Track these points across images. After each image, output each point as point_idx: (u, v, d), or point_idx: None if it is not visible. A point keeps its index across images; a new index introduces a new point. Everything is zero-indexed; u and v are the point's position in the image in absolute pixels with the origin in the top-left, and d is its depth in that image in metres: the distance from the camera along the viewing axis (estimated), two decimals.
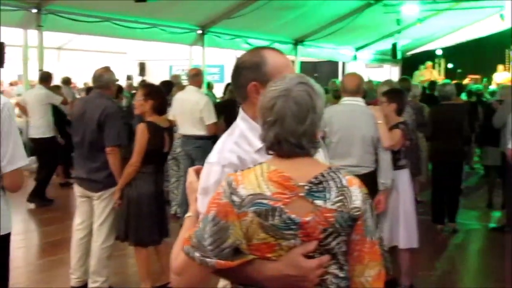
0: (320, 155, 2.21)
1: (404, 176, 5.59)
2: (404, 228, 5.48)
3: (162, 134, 5.28)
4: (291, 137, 1.85)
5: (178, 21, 11.02)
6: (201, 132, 7.58)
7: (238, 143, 2.16)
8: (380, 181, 5.20)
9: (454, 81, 13.03)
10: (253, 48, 2.30)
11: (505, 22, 16.52)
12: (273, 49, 2.27)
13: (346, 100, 5.32)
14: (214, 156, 2.14)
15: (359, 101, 5.29)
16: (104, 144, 5.21)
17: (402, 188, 5.54)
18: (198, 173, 2.17)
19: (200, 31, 11.50)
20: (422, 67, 19.78)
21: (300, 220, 1.82)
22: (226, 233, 1.81)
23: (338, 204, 1.85)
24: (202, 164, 2.16)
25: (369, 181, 5.14)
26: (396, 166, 5.48)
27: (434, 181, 8.01)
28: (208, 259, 1.82)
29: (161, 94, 5.41)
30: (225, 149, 2.14)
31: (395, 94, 5.85)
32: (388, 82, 7.87)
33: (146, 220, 5.22)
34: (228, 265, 1.82)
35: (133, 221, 5.21)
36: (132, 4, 8.90)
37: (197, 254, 1.83)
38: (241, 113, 2.24)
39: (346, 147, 5.12)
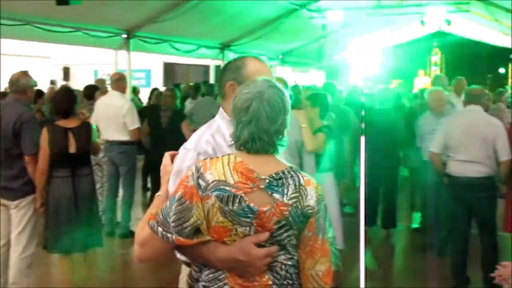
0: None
1: (328, 179, 5.62)
2: None
3: (65, 135, 5.15)
4: (264, 135, 2.06)
5: (103, 25, 10.76)
6: (125, 137, 7.43)
7: (214, 136, 2.39)
8: None
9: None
10: (240, 56, 2.60)
11: (425, 28, 16.99)
12: (257, 58, 2.57)
13: None
14: (191, 143, 2.38)
15: None
16: (20, 151, 5.06)
17: (327, 191, 5.50)
18: (172, 158, 2.37)
19: (125, 35, 11.25)
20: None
21: (258, 209, 2.01)
22: (189, 213, 2.00)
23: (294, 200, 2.04)
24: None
25: None
26: (320, 170, 5.50)
27: (369, 185, 8.03)
28: (169, 235, 2.02)
29: (64, 98, 5.32)
30: (202, 139, 2.38)
31: (318, 98, 5.87)
32: (313, 87, 7.90)
33: (66, 226, 5.07)
34: (186, 242, 2.02)
35: (52, 228, 5.06)
36: (54, 7, 8.62)
37: (160, 229, 2.04)
38: (220, 110, 2.49)
39: None
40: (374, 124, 7.83)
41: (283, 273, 2.08)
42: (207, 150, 2.32)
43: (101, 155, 7.42)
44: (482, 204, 5.75)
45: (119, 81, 7.68)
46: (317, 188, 2.13)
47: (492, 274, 4.60)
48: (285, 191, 2.04)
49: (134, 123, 7.43)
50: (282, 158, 2.15)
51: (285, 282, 2.09)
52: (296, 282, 2.12)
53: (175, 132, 7.64)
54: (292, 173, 2.09)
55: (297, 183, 2.06)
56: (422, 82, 18.76)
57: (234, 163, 2.04)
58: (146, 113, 8.85)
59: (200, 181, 2.02)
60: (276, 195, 2.02)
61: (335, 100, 8.37)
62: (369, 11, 15.19)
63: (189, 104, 11.29)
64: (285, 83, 5.52)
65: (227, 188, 2.00)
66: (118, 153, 7.34)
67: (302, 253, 2.11)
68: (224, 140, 2.33)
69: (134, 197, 8.05)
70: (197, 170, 2.04)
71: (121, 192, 7.68)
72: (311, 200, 2.08)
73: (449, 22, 15.86)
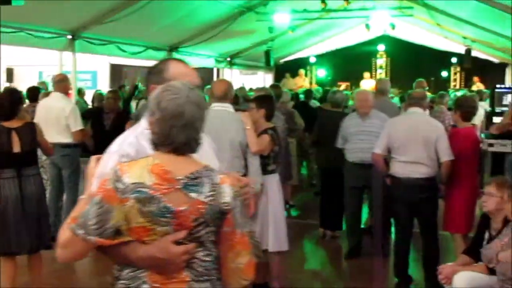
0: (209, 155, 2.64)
1: (273, 181, 5.63)
2: (273, 231, 5.51)
3: (8, 135, 5.11)
4: (198, 136, 2.18)
5: (47, 25, 10.52)
6: (67, 139, 7.26)
7: (139, 138, 2.42)
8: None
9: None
10: (164, 58, 2.58)
11: (370, 32, 17.24)
12: (180, 60, 2.65)
13: (214, 105, 5.29)
14: (114, 146, 2.42)
15: (227, 106, 5.29)
16: None
17: (272, 192, 5.57)
18: (99, 161, 2.40)
19: (70, 36, 11.01)
20: (287, 75, 20.16)
21: (175, 209, 2.08)
22: (109, 215, 2.06)
23: (210, 198, 2.13)
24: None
25: None
26: (266, 171, 5.51)
27: (323, 186, 8.15)
28: (90, 237, 2.06)
29: (7, 99, 5.25)
30: (125, 142, 2.43)
31: (264, 100, 5.87)
32: (263, 89, 7.88)
33: (11, 227, 4.98)
34: (106, 243, 2.07)
35: None
36: None
37: (80, 232, 2.07)
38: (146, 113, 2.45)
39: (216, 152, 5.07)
40: (322, 126, 7.91)
41: (201, 269, 2.16)
42: (129, 153, 2.35)
43: (44, 157, 7.24)
44: (424, 204, 5.83)
45: (62, 82, 7.50)
46: (233, 185, 2.21)
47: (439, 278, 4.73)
48: (201, 190, 2.12)
49: (77, 125, 7.27)
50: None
51: (202, 278, 2.16)
52: (214, 277, 2.20)
53: (119, 134, 7.48)
54: (208, 172, 2.17)
55: (213, 182, 2.15)
56: (368, 84, 18.98)
57: (151, 165, 2.10)
58: (90, 115, 8.72)
59: (118, 184, 2.07)
60: (193, 195, 2.10)
61: (282, 102, 8.42)
62: (316, 14, 15.32)
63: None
64: (229, 85, 5.51)
65: (145, 190, 2.06)
66: (61, 156, 7.15)
67: (222, 248, 2.20)
68: (147, 142, 2.33)
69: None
70: (115, 173, 2.10)
71: (65, 196, 7.48)
72: (227, 197, 2.16)
73: (393, 26, 16.12)
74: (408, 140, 5.82)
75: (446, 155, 5.72)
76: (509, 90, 5.93)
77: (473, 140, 5.95)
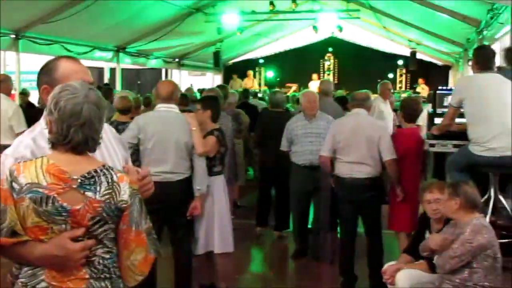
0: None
1: (219, 182, 5.64)
2: (219, 233, 5.52)
3: None
4: (96, 135, 2.21)
5: None
6: (11, 141, 7.02)
7: (36, 139, 2.40)
8: (196, 187, 5.22)
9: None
10: (55, 57, 2.62)
11: (318, 34, 17.41)
12: (70, 57, 2.62)
13: (160, 106, 5.30)
14: (10, 149, 2.41)
15: (173, 107, 5.29)
16: None
17: (217, 194, 5.58)
18: None
19: (13, 36, 10.77)
20: (235, 76, 20.21)
21: (71, 208, 2.12)
22: (3, 216, 2.09)
23: (107, 196, 2.17)
24: None
25: (184, 187, 5.19)
26: (212, 172, 5.52)
27: (261, 187, 8.19)
28: None
29: None
30: (21, 144, 2.40)
31: (210, 101, 5.88)
32: (213, 90, 7.85)
33: None
34: (2, 242, 2.09)
35: None
36: None
37: None
38: (44, 113, 2.40)
39: (160, 153, 5.11)
40: (264, 126, 7.95)
41: (100, 267, 2.20)
42: (25, 155, 2.33)
43: None
44: (368, 204, 5.93)
45: (4, 82, 7.32)
46: (131, 183, 2.25)
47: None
48: (98, 188, 2.16)
49: (21, 126, 7.09)
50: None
51: (102, 276, 2.20)
52: (114, 275, 2.24)
53: None
54: (105, 171, 2.21)
55: (109, 180, 2.19)
56: (316, 86, 19.15)
57: (46, 165, 2.14)
58: (35, 115, 8.50)
59: (14, 184, 2.12)
60: (89, 193, 2.15)
61: (229, 103, 8.41)
62: (264, 16, 15.38)
63: None
64: (175, 85, 5.50)
65: (40, 190, 2.10)
66: None
67: (119, 245, 2.24)
68: (46, 142, 2.31)
69: None
70: (11, 173, 2.13)
71: None
72: (124, 195, 2.20)
73: (340, 28, 16.31)
74: (351, 141, 5.89)
75: (388, 154, 5.80)
76: (450, 92, 6.05)
77: (417, 140, 6.05)
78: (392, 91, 11.80)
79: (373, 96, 10.50)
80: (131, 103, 7.16)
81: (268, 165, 7.95)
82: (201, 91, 12.54)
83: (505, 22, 8.20)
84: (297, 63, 23.24)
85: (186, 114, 5.50)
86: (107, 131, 2.63)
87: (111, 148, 2.63)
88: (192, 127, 5.22)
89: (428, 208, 4.79)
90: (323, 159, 6.18)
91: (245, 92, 12.43)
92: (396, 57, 21.98)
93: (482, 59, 5.49)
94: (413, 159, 5.98)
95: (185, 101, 7.63)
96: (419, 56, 17.97)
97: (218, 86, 8.87)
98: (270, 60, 23.10)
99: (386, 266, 5.00)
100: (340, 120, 6.27)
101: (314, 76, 21.54)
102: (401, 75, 23.61)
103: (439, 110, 6.40)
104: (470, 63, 5.82)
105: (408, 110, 6.11)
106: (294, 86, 21.09)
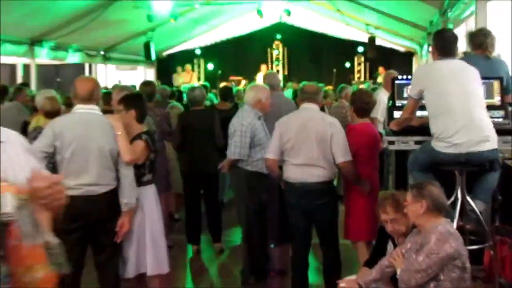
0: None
1: (150, 193, 5.61)
2: (151, 252, 5.49)
3: None
4: None
5: None
6: None
7: None
8: (123, 201, 5.18)
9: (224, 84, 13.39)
10: None
11: (264, 19, 17.47)
12: None
13: (79, 108, 5.23)
14: None
15: (94, 109, 5.23)
16: None
17: (148, 207, 5.54)
18: None
19: None
20: (179, 69, 20.19)
21: None
22: None
23: None
24: None
25: (110, 200, 5.15)
26: (141, 182, 5.49)
27: (187, 197, 8.10)
28: None
29: None
30: None
31: (133, 100, 5.84)
32: (126, 88, 7.68)
33: None
34: None
35: None
36: None
37: None
38: None
39: (81, 162, 5.05)
40: (187, 129, 7.86)
41: None
42: None
43: None
44: (321, 212, 5.97)
45: None
46: (18, 193, 2.21)
47: None
48: None
49: None
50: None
51: None
52: None
53: None
54: None
55: None
56: None
57: None
58: None
59: None
60: None
61: (156, 102, 8.38)
62: (201, 0, 15.37)
63: None
64: (95, 83, 5.44)
65: None
66: None
67: (11, 263, 2.21)
68: None
69: None
70: None
71: None
72: (7, 208, 2.16)
73: (289, 13, 16.45)
74: (300, 140, 5.91)
75: (341, 156, 5.86)
76: (410, 82, 6.13)
77: (370, 136, 6.18)
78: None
79: (348, 88, 10.66)
80: (60, 104, 7.09)
81: (193, 173, 7.91)
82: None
83: (469, 2, 8.38)
84: (241, 53, 23.31)
85: (109, 116, 5.44)
86: (14, 141, 2.59)
87: (17, 161, 2.56)
88: (116, 131, 5.17)
89: (386, 227, 4.84)
90: (269, 163, 6.16)
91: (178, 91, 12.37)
92: (353, 44, 22.29)
93: (442, 45, 5.57)
94: (366, 158, 6.10)
95: (108, 100, 7.51)
96: (378, 42, 18.30)
97: (143, 83, 8.75)
98: (210, 50, 23.10)
99: (344, 280, 5.05)
100: (287, 118, 6.20)
101: (263, 67, 21.69)
102: (359, 64, 23.95)
103: (398, 103, 6.45)
104: (430, 49, 5.90)
105: (357, 104, 6.22)
106: (244, 81, 21.04)
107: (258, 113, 6.80)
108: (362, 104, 6.21)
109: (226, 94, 9.92)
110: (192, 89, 8.29)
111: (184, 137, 7.84)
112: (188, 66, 20.81)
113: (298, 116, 6.18)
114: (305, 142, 5.90)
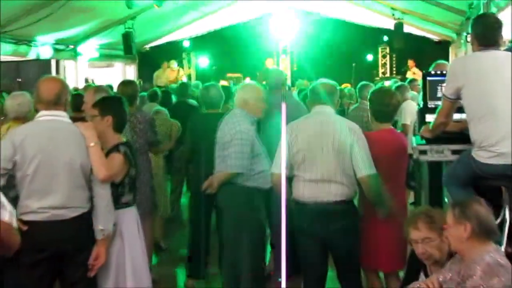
0: None
1: (130, 217, 5.64)
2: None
3: None
4: None
5: None
6: None
7: None
8: (98, 227, 5.18)
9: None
10: None
11: (268, 2, 17.46)
12: None
13: (43, 115, 5.25)
14: None
15: (61, 115, 5.24)
16: None
17: (129, 233, 5.57)
18: None
19: None
20: (165, 64, 20.20)
21: None
22: None
23: None
24: None
25: (82, 227, 5.15)
26: (119, 204, 5.51)
27: (193, 220, 8.12)
28: None
29: None
30: None
31: (110, 104, 5.85)
32: (102, 88, 7.66)
33: None
34: None
35: None
36: None
37: None
38: None
39: (46, 181, 5.05)
40: (199, 137, 7.86)
41: None
42: None
43: None
44: (339, 237, 5.90)
45: None
46: None
47: None
48: None
49: None
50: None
51: None
52: None
53: None
54: None
55: None
56: None
57: None
58: None
59: None
60: None
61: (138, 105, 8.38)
62: None
63: None
64: (62, 84, 5.44)
65: None
66: None
67: None
68: None
69: None
70: None
71: None
72: None
73: None
74: (314, 150, 5.86)
75: (364, 168, 5.79)
76: (445, 78, 6.08)
77: (391, 147, 6.09)
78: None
79: (370, 87, 10.55)
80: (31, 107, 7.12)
81: (204, 192, 7.81)
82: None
83: None
84: (241, 45, 23.24)
85: (80, 124, 5.43)
86: None
87: None
88: (89, 143, 5.18)
89: (416, 248, 4.85)
90: (276, 179, 6.04)
91: (183, 88, 12.29)
92: (376, 32, 22.24)
93: (484, 32, 5.55)
94: (388, 174, 5.98)
95: (79, 104, 7.45)
96: (406, 29, 18.22)
97: (122, 82, 8.68)
98: (202, 42, 23.07)
99: None
100: (297, 123, 6.14)
101: (268, 61, 21.56)
102: (383, 56, 24.01)
103: (431, 104, 6.44)
104: (468, 38, 5.88)
105: (377, 106, 6.19)
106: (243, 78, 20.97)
107: (253, 117, 6.79)
108: (381, 106, 6.17)
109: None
110: (207, 87, 8.30)
111: (196, 147, 7.88)
112: (173, 62, 20.76)
113: (310, 121, 6.11)
114: (319, 153, 5.85)
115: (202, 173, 7.53)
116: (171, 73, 20.23)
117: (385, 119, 6.21)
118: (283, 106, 7.33)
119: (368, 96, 6.59)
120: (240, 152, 6.55)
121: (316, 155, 5.88)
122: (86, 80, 18.19)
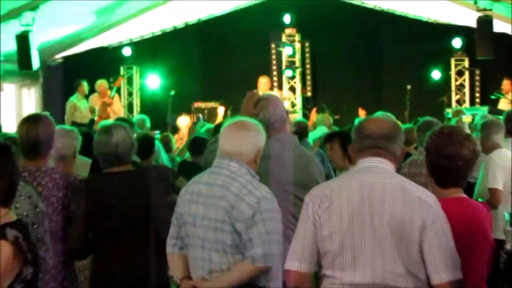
0: None
1: None
2: None
3: None
4: None
5: None
6: None
7: None
8: None
9: None
10: None
11: None
12: None
13: None
14: None
15: None
16: None
17: None
18: None
19: None
20: (83, 87, 20.31)
21: None
22: None
23: None
24: None
25: None
26: None
27: None
28: None
29: None
30: None
31: None
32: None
33: None
34: None
35: None
36: None
37: None
38: None
39: None
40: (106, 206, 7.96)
41: None
42: None
43: None
44: None
45: None
46: None
47: None
48: None
49: None
50: None
51: None
52: None
53: None
54: None
55: None
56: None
57: None
58: None
59: None
60: None
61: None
62: None
63: None
64: None
65: None
66: None
67: None
68: None
69: None
70: None
71: None
72: None
73: None
74: (358, 235, 5.78)
75: (443, 270, 5.68)
76: None
77: (458, 229, 5.92)
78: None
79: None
80: None
81: None
82: None
83: None
84: (218, 54, 23.38)
85: None
86: None
87: None
88: None
89: None
90: (295, 278, 6.05)
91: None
92: (446, 32, 22.30)
93: None
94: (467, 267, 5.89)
95: None
96: (498, 27, 18.21)
97: (27, 119, 8.59)
98: (152, 49, 23.18)
99: None
100: (329, 187, 6.13)
101: (262, 81, 21.56)
102: (460, 74, 23.86)
103: None
104: None
105: (435, 159, 6.20)
106: (220, 108, 20.88)
107: (252, 171, 7.01)
108: (441, 160, 6.13)
109: (196, 141, 9.94)
110: (106, 129, 8.24)
111: (93, 228, 7.95)
112: (102, 83, 20.66)
113: (351, 184, 5.99)
114: (367, 239, 5.74)
115: (112, 262, 7.91)
116: (97, 101, 20.16)
117: (450, 182, 6.21)
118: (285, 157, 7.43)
119: (424, 143, 6.61)
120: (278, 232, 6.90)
121: (360, 243, 5.79)
122: None
